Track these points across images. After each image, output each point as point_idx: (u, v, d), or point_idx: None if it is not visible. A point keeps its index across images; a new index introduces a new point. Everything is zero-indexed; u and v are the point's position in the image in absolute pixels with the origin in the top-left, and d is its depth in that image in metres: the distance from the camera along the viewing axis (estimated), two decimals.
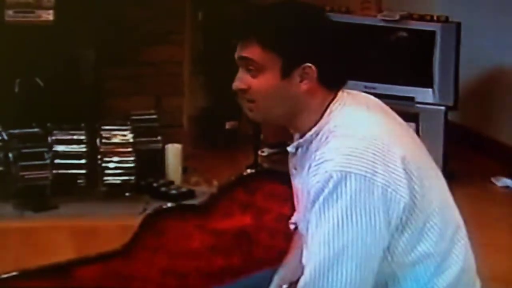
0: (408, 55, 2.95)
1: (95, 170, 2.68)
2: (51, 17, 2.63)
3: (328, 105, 1.21)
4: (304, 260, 1.19)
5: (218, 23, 3.11)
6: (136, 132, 2.75)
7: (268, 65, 1.19)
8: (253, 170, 2.32)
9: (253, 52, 1.19)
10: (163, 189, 2.70)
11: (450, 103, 2.89)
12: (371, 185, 1.12)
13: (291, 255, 1.36)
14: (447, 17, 2.90)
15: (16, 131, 2.66)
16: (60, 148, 2.66)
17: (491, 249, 2.19)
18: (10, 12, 2.62)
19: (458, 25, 2.86)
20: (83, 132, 2.69)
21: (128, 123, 2.76)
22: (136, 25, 2.86)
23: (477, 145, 3.19)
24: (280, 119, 1.23)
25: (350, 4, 3.02)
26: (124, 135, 2.73)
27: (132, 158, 2.68)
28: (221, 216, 1.62)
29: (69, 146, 2.67)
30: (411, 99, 2.90)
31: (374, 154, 1.14)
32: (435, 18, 2.90)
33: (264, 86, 1.20)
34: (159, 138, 2.81)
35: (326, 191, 1.13)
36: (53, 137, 2.67)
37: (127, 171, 2.68)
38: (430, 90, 2.89)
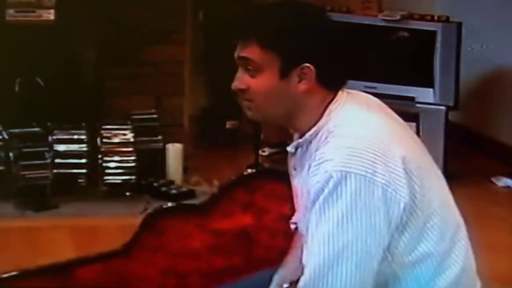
0: (408, 55, 2.95)
1: (96, 170, 2.68)
2: (52, 17, 2.63)
3: (328, 105, 1.21)
4: (304, 260, 1.19)
5: (218, 23, 3.11)
6: (136, 131, 2.75)
7: (267, 65, 1.19)
8: (253, 170, 2.32)
9: (251, 52, 1.19)
10: (163, 188, 2.70)
11: (451, 103, 2.89)
12: (371, 185, 1.12)
13: (291, 255, 1.36)
14: (447, 17, 2.90)
15: (16, 130, 2.67)
16: (60, 147, 2.66)
17: (492, 249, 2.18)
18: (11, 11, 2.63)
19: (459, 25, 2.86)
20: (83, 131, 2.69)
21: (129, 122, 2.77)
22: (137, 25, 2.86)
23: (478, 145, 3.19)
24: (279, 119, 1.24)
25: (351, 3, 3.02)
26: (125, 135, 2.73)
27: (132, 158, 2.68)
28: (222, 216, 1.62)
29: (70, 145, 2.67)
30: (412, 99, 2.90)
31: (374, 154, 1.14)
32: (436, 18, 2.90)
33: (262, 86, 1.20)
34: (159, 137, 2.81)
35: (326, 191, 1.13)
36: (54, 137, 2.67)
37: (127, 171, 2.68)
38: (430, 90, 2.89)
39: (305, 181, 1.20)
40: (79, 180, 2.66)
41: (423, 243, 1.18)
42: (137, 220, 1.62)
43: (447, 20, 2.89)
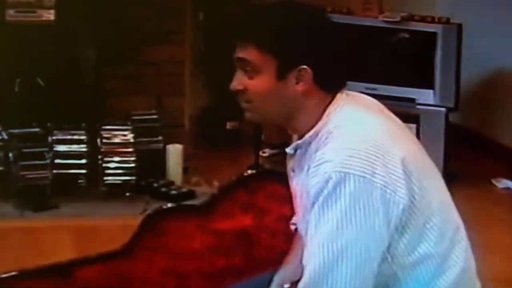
0: (409, 56, 2.95)
1: (96, 170, 2.68)
2: (52, 17, 2.63)
3: (327, 106, 1.21)
4: (303, 261, 1.19)
5: (218, 23, 3.11)
6: (136, 132, 2.75)
7: (264, 67, 1.19)
8: (254, 171, 2.32)
9: (249, 53, 1.20)
10: (163, 189, 2.70)
11: (451, 105, 2.89)
12: (370, 186, 1.12)
13: (291, 255, 1.36)
14: (448, 19, 2.90)
15: (16, 130, 2.66)
16: (60, 148, 2.66)
17: (492, 250, 2.19)
18: (11, 11, 2.62)
19: (459, 26, 2.86)
20: (83, 132, 2.69)
21: (129, 123, 2.76)
22: (137, 25, 2.86)
23: (478, 147, 3.19)
24: (277, 120, 1.24)
25: (352, 5, 3.02)
26: (125, 135, 2.73)
27: (132, 158, 2.68)
28: (222, 216, 1.62)
29: (70, 146, 2.67)
30: (412, 100, 2.90)
31: (373, 155, 1.14)
32: (436, 19, 2.90)
33: (260, 87, 1.20)
34: (159, 138, 2.81)
35: (326, 192, 1.13)
36: (54, 137, 2.67)
37: (127, 171, 2.68)
38: (431, 91, 2.89)
39: (305, 182, 1.20)
40: (79, 181, 2.66)
41: (423, 244, 1.18)
42: (137, 221, 1.62)
43: (447, 21, 2.89)
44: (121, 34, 2.81)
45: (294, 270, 1.30)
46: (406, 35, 2.91)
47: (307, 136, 1.22)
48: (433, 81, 2.88)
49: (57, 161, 2.64)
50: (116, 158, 2.69)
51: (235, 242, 1.60)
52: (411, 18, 2.91)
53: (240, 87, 1.22)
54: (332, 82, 1.22)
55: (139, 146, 2.74)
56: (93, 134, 2.71)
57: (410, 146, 1.23)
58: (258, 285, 1.37)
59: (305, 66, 1.18)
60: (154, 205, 2.39)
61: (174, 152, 2.81)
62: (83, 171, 2.66)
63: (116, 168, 2.68)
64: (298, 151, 1.24)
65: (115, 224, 2.31)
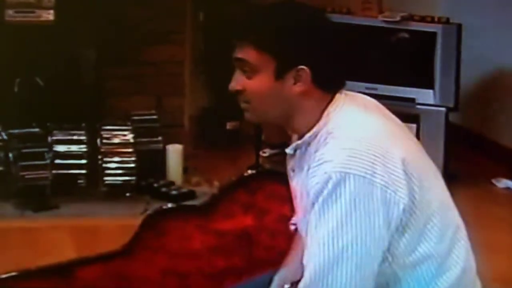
0: (409, 56, 2.95)
1: (96, 170, 2.68)
2: (51, 17, 2.63)
3: (326, 106, 1.21)
4: (304, 262, 1.19)
5: (218, 23, 3.11)
6: (136, 132, 2.75)
7: (262, 67, 1.19)
8: (254, 171, 2.32)
9: (247, 53, 1.20)
10: (163, 189, 2.70)
11: (451, 104, 2.89)
12: (370, 186, 1.12)
13: (291, 256, 1.36)
14: (448, 19, 2.90)
15: (16, 131, 2.66)
16: (60, 148, 2.66)
17: (492, 250, 2.18)
18: (11, 11, 2.62)
19: (459, 26, 2.86)
20: (83, 132, 2.69)
21: (129, 123, 2.76)
22: (137, 25, 2.86)
23: (478, 146, 3.19)
24: (276, 120, 1.24)
25: (351, 4, 3.02)
26: (125, 135, 2.72)
27: (132, 159, 2.68)
28: (222, 216, 1.61)
29: (70, 146, 2.67)
30: (412, 100, 2.90)
31: (373, 155, 1.14)
32: (436, 19, 2.90)
33: (258, 88, 1.20)
34: (159, 138, 2.81)
35: (325, 192, 1.13)
36: (53, 137, 2.67)
37: (127, 171, 2.68)
38: (431, 91, 2.89)
39: (304, 183, 1.20)
40: (79, 181, 2.66)
41: (423, 244, 1.18)
42: (137, 221, 1.62)
43: (447, 21, 2.89)
44: (121, 34, 2.81)
45: (294, 271, 1.30)
46: (406, 35, 2.91)
47: (306, 136, 1.22)
48: (433, 81, 2.88)
49: (57, 161, 2.64)
50: (116, 158, 2.69)
51: (235, 242, 1.60)
52: (410, 18, 2.91)
53: (238, 87, 1.22)
54: (331, 82, 1.22)
55: (139, 146, 2.74)
56: (93, 134, 2.71)
57: (410, 146, 1.23)
58: (258, 286, 1.37)
59: (303, 66, 1.18)
60: (154, 205, 2.39)
61: (174, 152, 2.81)
62: (83, 171, 2.66)
63: (116, 168, 2.68)
64: (298, 152, 1.24)
65: (115, 224, 2.31)
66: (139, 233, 1.58)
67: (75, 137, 2.68)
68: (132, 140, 2.72)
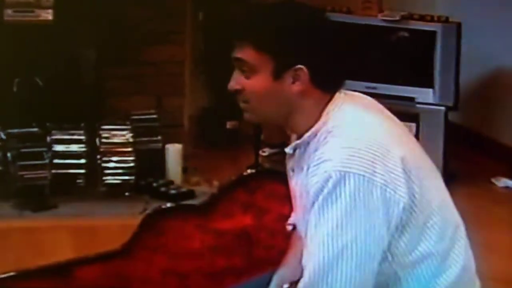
0: (408, 55, 2.95)
1: (95, 170, 2.67)
2: (50, 17, 2.62)
3: (325, 106, 1.21)
4: (303, 261, 1.19)
5: (218, 23, 3.11)
6: (136, 132, 2.74)
7: (261, 67, 1.19)
8: (253, 170, 2.32)
9: (246, 53, 1.20)
10: (163, 189, 2.69)
11: (451, 104, 2.88)
12: (370, 185, 1.12)
13: (290, 255, 1.35)
14: (447, 17, 2.90)
15: (15, 130, 2.66)
16: (59, 147, 2.65)
17: (491, 249, 2.19)
18: (9, 11, 2.62)
19: (459, 25, 2.86)
20: (82, 131, 2.68)
21: (128, 123, 2.76)
22: (137, 25, 2.85)
23: (478, 146, 3.19)
24: (275, 120, 1.24)
25: (351, 4, 3.02)
26: (124, 135, 2.72)
27: (132, 158, 2.68)
28: (222, 216, 1.61)
29: (69, 145, 2.66)
30: (412, 99, 2.90)
31: (373, 154, 1.14)
32: (435, 18, 2.90)
33: (256, 87, 1.20)
34: (159, 138, 2.81)
35: (325, 191, 1.13)
36: (52, 137, 2.66)
37: (126, 171, 2.68)
38: (430, 90, 2.89)
39: (304, 182, 1.20)
40: (78, 181, 2.65)
41: (423, 243, 1.18)
42: (137, 221, 1.61)
43: (446, 20, 2.89)
44: (121, 34, 2.81)
45: (293, 270, 1.30)
46: (406, 34, 2.91)
47: (306, 136, 1.22)
48: (432, 80, 2.88)
49: (56, 161, 2.64)
50: (115, 158, 2.68)
51: (235, 242, 1.60)
52: (410, 17, 2.91)
53: (237, 87, 1.22)
54: (330, 82, 1.22)
55: (139, 146, 2.74)
56: (92, 134, 2.70)
57: (409, 145, 1.23)
58: (258, 285, 1.37)
59: (301, 66, 1.19)
60: (154, 205, 2.38)
61: (174, 151, 2.81)
62: (82, 171, 2.65)
63: (115, 168, 2.68)
64: (297, 151, 1.24)
65: (115, 224, 2.30)
66: (138, 233, 1.58)
67: (74, 137, 2.68)
68: (131, 140, 2.71)
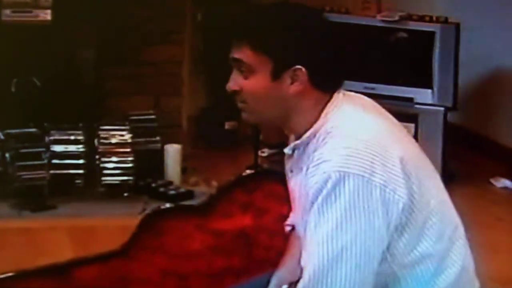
0: (407, 56, 2.95)
1: (93, 170, 2.67)
2: (48, 17, 2.62)
3: (324, 106, 1.21)
4: (302, 262, 1.18)
5: (218, 23, 3.10)
6: (135, 132, 2.74)
7: (259, 67, 1.19)
8: (252, 171, 2.32)
9: (244, 53, 1.20)
10: (161, 189, 2.69)
11: (449, 104, 2.89)
12: (370, 186, 1.12)
13: (288, 256, 1.35)
14: (446, 18, 2.90)
15: (13, 131, 2.65)
16: (57, 148, 2.65)
17: (490, 250, 2.19)
18: (8, 11, 2.62)
19: (457, 25, 2.86)
20: (80, 132, 2.68)
21: (127, 123, 2.76)
22: (136, 25, 2.85)
23: (476, 146, 3.19)
24: (273, 120, 1.24)
25: (350, 4, 3.02)
26: (123, 135, 2.72)
27: (130, 158, 2.68)
28: (221, 216, 1.61)
29: (67, 146, 2.66)
30: (411, 99, 2.90)
31: (372, 154, 1.14)
32: (434, 18, 2.90)
33: (254, 88, 1.20)
34: (158, 138, 2.81)
35: (325, 191, 1.13)
36: (51, 137, 2.66)
37: (125, 171, 2.67)
38: (429, 90, 2.89)
39: (303, 183, 1.20)
40: (77, 181, 2.65)
41: (422, 243, 1.18)
42: (136, 221, 1.61)
43: (445, 20, 2.89)
44: (120, 34, 2.81)
45: (292, 271, 1.30)
46: (405, 35, 2.91)
47: (304, 136, 1.21)
48: (431, 81, 2.88)
49: (54, 161, 2.63)
50: (114, 158, 2.68)
51: (234, 242, 1.60)
52: (409, 17, 2.91)
53: (235, 88, 1.22)
54: (328, 82, 1.22)
55: (137, 146, 2.73)
56: (91, 134, 2.70)
57: (408, 145, 1.23)
58: (257, 286, 1.37)
59: (299, 66, 1.18)
60: (153, 205, 2.38)
61: (173, 152, 2.81)
62: (81, 171, 2.65)
63: (114, 168, 2.68)
64: (296, 152, 1.24)
65: (113, 225, 2.30)
66: (137, 233, 1.58)
67: (72, 137, 2.67)
68: (130, 140, 2.71)
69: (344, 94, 1.24)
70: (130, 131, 2.73)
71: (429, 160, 1.26)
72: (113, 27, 2.77)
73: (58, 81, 2.74)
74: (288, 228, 1.39)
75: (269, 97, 1.20)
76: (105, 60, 2.84)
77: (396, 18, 2.90)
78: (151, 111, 2.86)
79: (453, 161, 2.90)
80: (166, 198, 2.64)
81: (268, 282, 1.34)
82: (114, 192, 2.66)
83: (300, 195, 1.24)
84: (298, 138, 1.23)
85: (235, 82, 1.22)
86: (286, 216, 1.40)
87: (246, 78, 1.21)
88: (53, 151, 2.64)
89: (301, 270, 1.17)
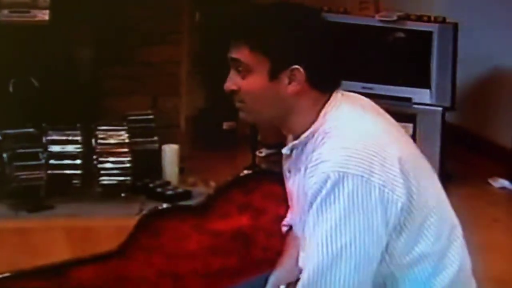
0: (405, 56, 2.95)
1: (91, 171, 2.67)
2: (46, 17, 2.62)
3: (322, 106, 1.21)
4: (301, 263, 1.18)
5: (216, 23, 3.10)
6: (132, 132, 2.74)
7: (256, 67, 1.19)
8: (250, 171, 2.31)
9: (241, 53, 1.20)
10: (159, 189, 2.69)
11: (447, 104, 2.89)
12: (368, 186, 1.12)
13: (285, 256, 1.35)
14: (444, 18, 2.90)
15: (10, 131, 2.65)
16: (55, 148, 2.64)
17: (488, 250, 2.19)
18: (5, 11, 2.61)
19: (455, 25, 2.86)
20: (78, 132, 2.68)
21: (124, 123, 2.75)
22: (134, 25, 2.85)
23: (474, 146, 3.19)
24: (271, 120, 1.24)
25: (348, 4, 3.02)
26: (120, 135, 2.71)
27: (128, 159, 2.67)
28: (218, 216, 1.61)
29: (64, 146, 2.65)
30: (409, 99, 2.90)
31: (371, 154, 1.14)
32: (432, 18, 2.90)
33: (252, 87, 1.20)
34: (155, 138, 2.80)
35: (324, 192, 1.13)
36: (48, 137, 2.65)
37: (123, 172, 2.67)
38: (427, 90, 2.89)
39: (302, 183, 1.20)
40: (74, 181, 2.65)
41: (421, 244, 1.18)
42: (133, 221, 1.61)
43: (443, 20, 2.89)
44: (117, 34, 2.80)
45: (289, 271, 1.30)
46: (403, 35, 2.91)
47: (303, 136, 1.21)
48: (429, 81, 2.88)
49: (52, 161, 2.63)
50: (112, 159, 2.68)
51: (232, 242, 1.60)
52: (407, 17, 2.91)
53: (233, 87, 1.22)
54: (326, 82, 1.22)
55: (135, 147, 2.73)
56: (88, 135, 2.69)
57: (406, 145, 1.23)
58: (254, 286, 1.37)
59: (297, 66, 1.18)
60: (150, 206, 2.38)
61: (170, 152, 2.80)
62: (78, 171, 2.65)
63: (111, 169, 2.67)
64: (294, 152, 1.24)
65: (111, 225, 2.30)
66: (134, 234, 1.57)
67: (70, 138, 2.67)
68: (127, 140, 2.71)
69: (342, 94, 1.24)
70: (127, 131, 2.73)
71: (427, 160, 1.26)
72: (111, 27, 2.77)
73: (56, 82, 2.74)
74: (285, 229, 1.38)
75: (267, 97, 1.20)
76: (103, 60, 2.83)
77: (394, 18, 2.90)
78: (149, 111, 2.86)
79: (451, 161, 2.90)
80: (163, 198, 2.63)
81: (265, 282, 1.34)
82: (111, 192, 2.66)
83: (298, 196, 1.24)
84: (296, 138, 1.23)
85: (233, 81, 1.22)
86: (284, 217, 1.39)
87: (243, 77, 1.21)
88: (51, 151, 2.64)
89: (300, 270, 1.17)
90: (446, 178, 2.47)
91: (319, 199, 1.13)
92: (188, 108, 3.10)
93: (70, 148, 2.65)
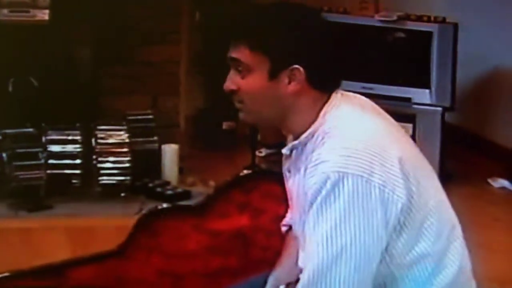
0: (405, 56, 2.95)
1: (90, 170, 2.67)
2: (46, 17, 2.61)
3: (322, 106, 1.21)
4: (300, 263, 1.18)
5: (215, 23, 3.10)
6: (132, 132, 2.74)
7: (256, 66, 1.19)
8: (250, 171, 2.31)
9: (241, 53, 1.20)
10: (158, 189, 2.69)
11: (447, 104, 2.89)
12: (369, 186, 1.12)
13: (285, 256, 1.35)
14: (444, 18, 2.90)
15: (10, 131, 2.65)
16: (54, 148, 2.64)
17: (488, 250, 2.19)
18: (5, 11, 2.61)
19: (455, 25, 2.86)
20: (78, 132, 2.68)
21: (124, 123, 2.75)
22: (134, 25, 2.85)
23: (474, 146, 3.20)
24: (270, 120, 1.24)
25: (348, 4, 3.02)
26: (120, 135, 2.71)
27: (127, 158, 2.67)
28: (218, 216, 1.61)
29: (64, 146, 2.65)
30: (408, 99, 2.90)
31: (371, 154, 1.14)
32: (432, 18, 2.90)
33: (252, 87, 1.20)
34: (155, 138, 2.80)
35: (324, 192, 1.13)
36: (48, 137, 2.65)
37: (122, 171, 2.67)
38: (427, 91, 2.89)
39: (301, 183, 1.20)
40: (74, 181, 2.65)
41: (420, 243, 1.18)
42: (132, 221, 1.61)
43: (443, 20, 2.89)
44: (117, 33, 2.80)
45: (289, 271, 1.30)
46: (402, 35, 2.91)
47: (302, 136, 1.21)
48: (429, 81, 2.88)
49: (51, 161, 2.63)
50: (111, 158, 2.67)
51: (231, 242, 1.60)
52: (407, 17, 2.91)
53: (233, 87, 1.22)
54: (326, 82, 1.22)
55: (134, 146, 2.73)
56: (88, 134, 2.69)
57: (406, 146, 1.23)
58: (253, 286, 1.37)
59: (297, 66, 1.18)
60: (150, 205, 2.38)
61: (170, 152, 2.80)
62: (78, 171, 2.64)
63: (111, 168, 2.67)
64: (294, 152, 1.24)
65: (110, 225, 2.30)
66: (134, 233, 1.57)
67: (69, 137, 2.67)
68: (127, 140, 2.71)
69: (342, 94, 1.24)
70: (127, 131, 2.73)
71: (427, 160, 1.26)
72: (111, 27, 2.77)
73: (56, 81, 2.74)
74: (284, 228, 1.38)
75: (266, 96, 1.20)
76: (103, 59, 2.83)
77: (394, 18, 2.90)
78: (148, 111, 2.86)
79: (450, 161, 2.90)
80: (163, 198, 2.63)
81: (265, 282, 1.34)
82: (111, 192, 2.66)
83: (298, 196, 1.24)
84: (296, 138, 1.23)
85: (232, 81, 1.22)
86: (283, 216, 1.39)
87: (243, 77, 1.21)
88: (50, 151, 2.64)
89: (300, 270, 1.17)
90: (446, 178, 2.47)
91: (319, 199, 1.13)
92: (187, 108, 3.10)
93: (69, 147, 2.65)
